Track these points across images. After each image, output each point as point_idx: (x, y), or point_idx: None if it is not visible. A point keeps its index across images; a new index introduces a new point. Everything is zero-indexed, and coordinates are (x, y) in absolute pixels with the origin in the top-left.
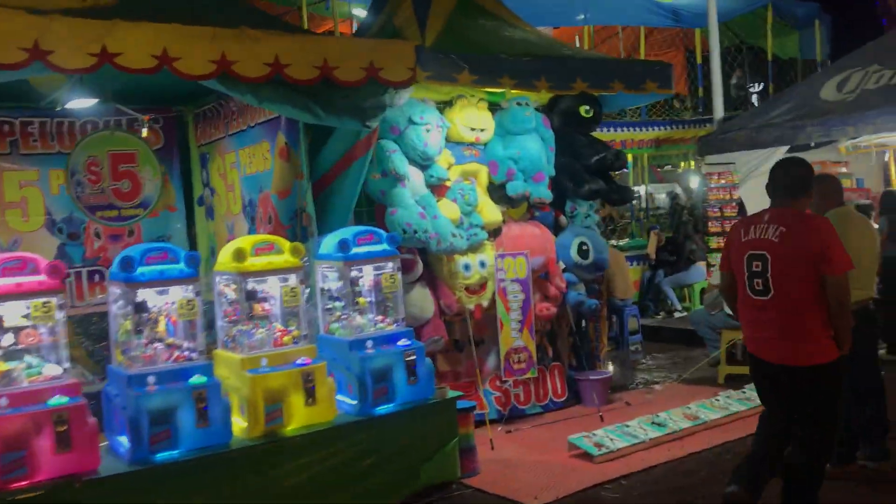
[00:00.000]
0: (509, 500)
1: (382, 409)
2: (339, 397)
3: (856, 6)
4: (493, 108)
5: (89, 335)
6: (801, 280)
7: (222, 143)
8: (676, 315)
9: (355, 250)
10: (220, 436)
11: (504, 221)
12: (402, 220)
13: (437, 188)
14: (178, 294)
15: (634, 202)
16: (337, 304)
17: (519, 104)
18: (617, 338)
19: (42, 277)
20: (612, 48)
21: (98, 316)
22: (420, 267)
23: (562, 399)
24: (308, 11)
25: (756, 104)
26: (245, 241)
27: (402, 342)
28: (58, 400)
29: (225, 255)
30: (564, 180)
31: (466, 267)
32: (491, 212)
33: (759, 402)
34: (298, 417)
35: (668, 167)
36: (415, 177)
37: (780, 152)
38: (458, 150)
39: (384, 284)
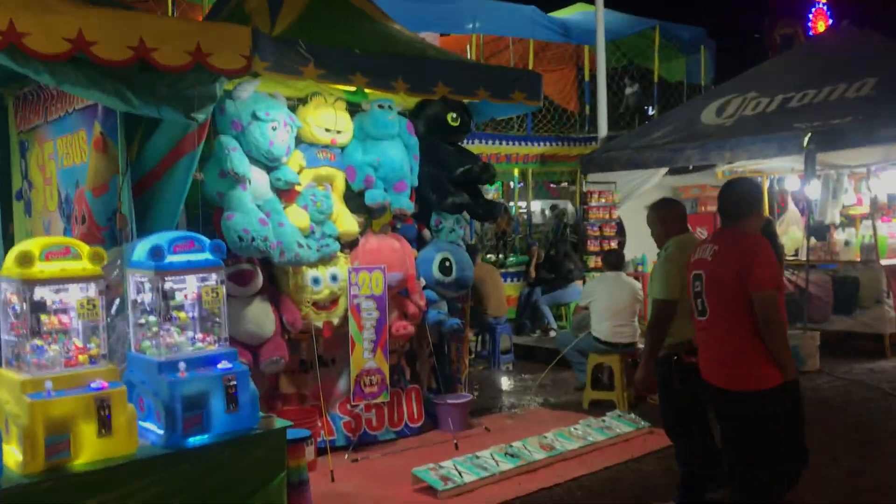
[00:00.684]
0: None
1: (195, 440)
2: (149, 426)
3: (741, 33)
4: (355, 109)
5: None
6: (732, 299)
7: (41, 131)
8: (552, 334)
9: (170, 259)
10: None
11: (362, 233)
12: (239, 226)
13: (286, 193)
14: None
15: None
16: (151, 318)
17: (381, 107)
18: (489, 356)
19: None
20: (503, 61)
21: None
22: (260, 279)
23: (418, 424)
24: None
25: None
26: (34, 244)
27: (223, 365)
28: None
29: (9, 259)
30: (428, 191)
31: (315, 281)
32: (346, 222)
33: (618, 430)
34: (90, 450)
35: (564, 184)
36: (259, 179)
37: (660, 174)
38: (311, 152)
39: (205, 299)
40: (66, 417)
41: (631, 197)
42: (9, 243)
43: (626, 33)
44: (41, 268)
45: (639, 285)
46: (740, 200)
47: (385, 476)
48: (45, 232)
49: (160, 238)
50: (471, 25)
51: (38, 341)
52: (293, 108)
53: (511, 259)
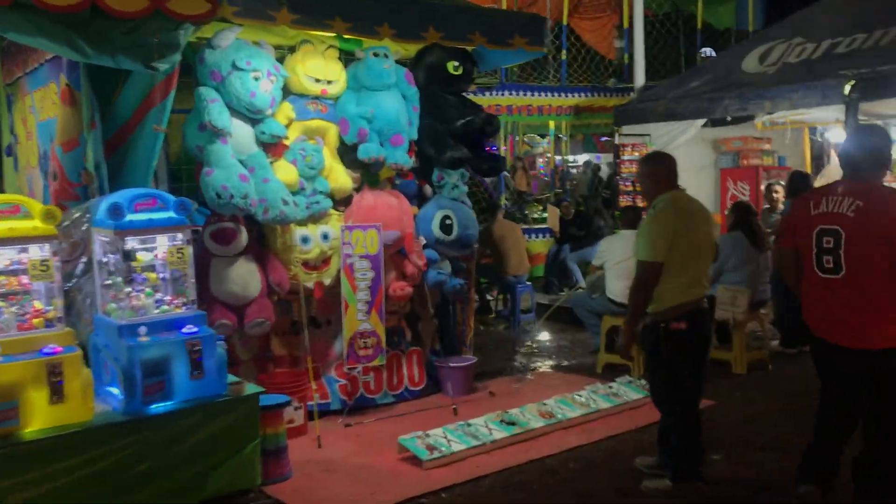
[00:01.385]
0: None
1: (156, 407)
2: (114, 391)
3: None
4: (350, 58)
5: None
6: (876, 258)
7: (22, 83)
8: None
9: (130, 217)
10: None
11: (358, 189)
12: (217, 183)
13: (273, 147)
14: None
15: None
16: (118, 280)
17: (376, 55)
18: (509, 316)
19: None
20: (537, 10)
21: None
22: (244, 238)
23: (419, 388)
24: None
25: None
26: None
27: (188, 329)
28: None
29: None
30: (426, 145)
31: (305, 239)
32: (340, 177)
33: (625, 398)
34: (41, 418)
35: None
36: (242, 132)
37: (697, 126)
38: (301, 104)
39: (169, 259)
40: (13, 384)
41: (666, 150)
42: None
43: None
44: None
45: None
46: (879, 152)
47: (375, 442)
48: (28, 189)
49: (120, 196)
50: None
51: None
52: (282, 58)
53: (541, 214)
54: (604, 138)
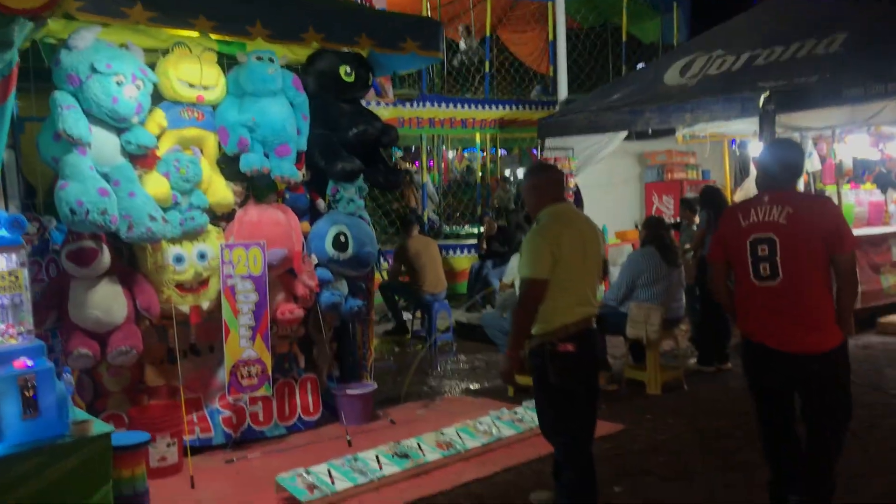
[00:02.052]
0: None
1: None
2: None
3: None
4: (234, 63)
5: None
6: (815, 260)
7: None
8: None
9: None
10: None
11: (242, 203)
12: (72, 197)
13: (142, 158)
14: None
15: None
16: None
17: (259, 59)
18: (425, 336)
19: None
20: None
21: None
22: (105, 258)
23: (314, 417)
24: None
25: None
26: None
27: (21, 363)
28: None
29: None
30: (317, 156)
31: (178, 259)
32: (219, 191)
33: (530, 423)
34: None
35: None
36: (105, 142)
37: (619, 138)
38: (175, 111)
39: (0, 284)
40: None
41: (589, 164)
42: None
43: None
44: None
45: None
46: (794, 164)
47: (255, 481)
48: None
49: None
50: None
51: None
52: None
53: (464, 229)
54: (535, 151)
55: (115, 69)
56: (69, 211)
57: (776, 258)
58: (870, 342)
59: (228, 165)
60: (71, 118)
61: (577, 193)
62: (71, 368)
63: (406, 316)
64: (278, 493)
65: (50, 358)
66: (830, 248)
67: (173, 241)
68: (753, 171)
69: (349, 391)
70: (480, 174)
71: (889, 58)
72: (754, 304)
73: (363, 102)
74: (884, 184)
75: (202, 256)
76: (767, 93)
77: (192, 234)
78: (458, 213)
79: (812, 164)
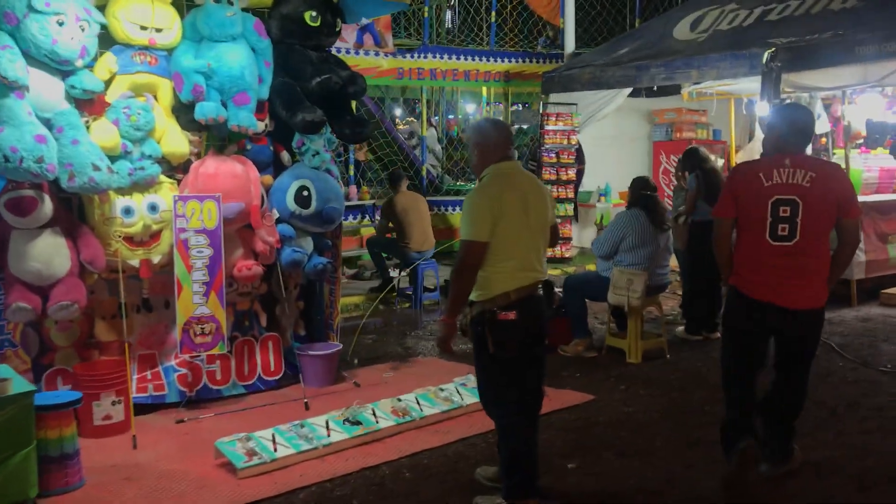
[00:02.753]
0: None
1: None
2: None
3: None
4: (191, 5)
5: None
6: (826, 224)
7: None
8: None
9: None
10: None
11: (201, 154)
12: (6, 143)
13: (89, 104)
14: None
15: None
16: None
17: (218, 1)
18: (411, 295)
19: None
20: None
21: None
22: (47, 208)
23: (276, 377)
24: None
25: None
26: None
27: None
28: None
29: None
30: (278, 106)
31: (127, 211)
32: (174, 140)
33: None
34: None
35: None
36: (46, 86)
37: (623, 95)
38: (126, 55)
39: None
40: None
41: (593, 120)
42: None
43: None
44: None
45: None
46: (808, 128)
47: (200, 443)
48: None
49: None
50: None
51: None
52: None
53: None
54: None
55: (54, 8)
56: (2, 158)
57: (797, 219)
58: (870, 314)
59: (185, 114)
60: (4, 59)
61: (579, 151)
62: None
63: (395, 273)
64: (216, 458)
65: None
66: (841, 212)
67: (122, 191)
68: (759, 133)
69: (311, 352)
70: None
71: None
72: (764, 262)
73: (362, 51)
74: None
75: (153, 209)
76: (773, 49)
77: (143, 186)
78: (459, 168)
79: (822, 125)
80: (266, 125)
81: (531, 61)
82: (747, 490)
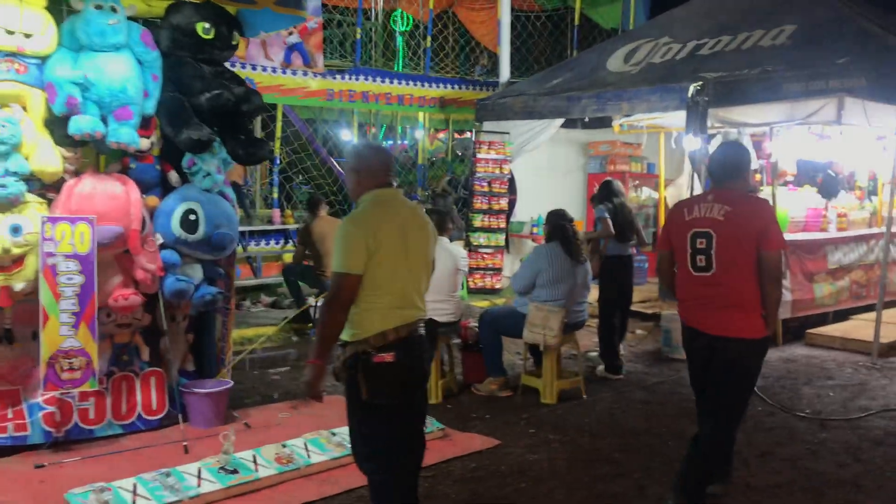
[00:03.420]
0: None
1: None
2: None
3: None
4: (71, 10)
5: None
6: (744, 256)
7: None
8: None
9: None
10: None
11: (78, 172)
12: None
13: None
14: None
15: None
16: None
17: (99, 7)
18: None
19: None
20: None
21: None
22: None
23: (158, 417)
24: None
25: None
26: None
27: None
28: None
29: None
30: (164, 123)
31: None
32: (44, 156)
33: None
34: None
35: None
36: None
37: (556, 125)
38: None
39: None
40: None
41: (525, 151)
42: None
43: None
44: None
45: (463, 253)
46: (735, 164)
47: (53, 493)
48: None
49: None
50: None
51: None
52: None
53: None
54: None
55: None
56: None
57: (711, 251)
58: (794, 355)
59: (60, 128)
60: None
61: (511, 181)
62: None
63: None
64: None
65: None
66: (759, 244)
67: None
68: (687, 167)
69: (197, 389)
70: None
71: (833, 53)
72: (690, 291)
73: (289, 70)
74: (829, 189)
75: (15, 230)
76: (699, 83)
77: (6, 205)
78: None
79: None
80: (153, 143)
81: (467, 88)
82: None
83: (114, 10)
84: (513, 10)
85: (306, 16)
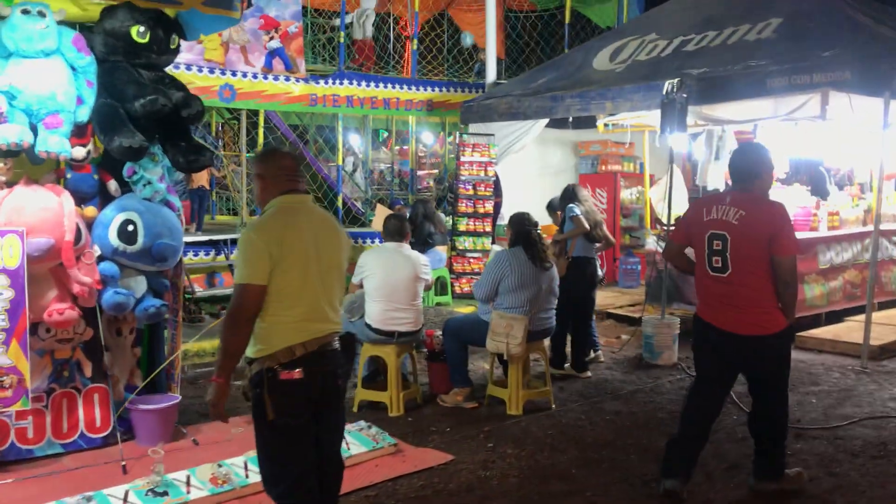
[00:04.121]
0: None
1: None
2: None
3: None
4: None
5: None
6: (759, 258)
7: None
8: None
9: None
10: None
11: (10, 183)
12: None
13: None
14: None
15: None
16: None
17: (26, 11)
18: None
19: None
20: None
21: None
22: None
23: (102, 434)
24: None
25: None
26: None
27: None
28: None
29: None
30: (97, 130)
31: None
32: None
33: (347, 451)
34: None
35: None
36: None
37: (540, 126)
38: None
39: None
40: None
41: (509, 152)
42: None
43: None
44: None
45: (424, 259)
46: (748, 167)
47: None
48: None
49: None
50: None
51: None
52: None
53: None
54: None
55: None
56: None
57: (727, 253)
58: None
59: None
60: None
61: (497, 183)
62: None
63: None
64: None
65: None
66: (771, 249)
67: None
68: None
69: (142, 405)
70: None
71: (820, 45)
72: (708, 291)
73: (271, 76)
74: (819, 187)
75: None
76: (677, 80)
77: None
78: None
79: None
80: (89, 151)
81: (456, 90)
82: None
83: (42, 14)
84: (507, 9)
85: (237, 16)
